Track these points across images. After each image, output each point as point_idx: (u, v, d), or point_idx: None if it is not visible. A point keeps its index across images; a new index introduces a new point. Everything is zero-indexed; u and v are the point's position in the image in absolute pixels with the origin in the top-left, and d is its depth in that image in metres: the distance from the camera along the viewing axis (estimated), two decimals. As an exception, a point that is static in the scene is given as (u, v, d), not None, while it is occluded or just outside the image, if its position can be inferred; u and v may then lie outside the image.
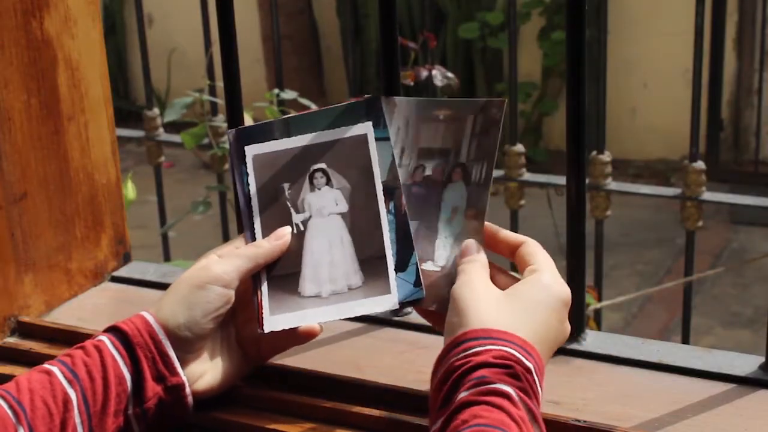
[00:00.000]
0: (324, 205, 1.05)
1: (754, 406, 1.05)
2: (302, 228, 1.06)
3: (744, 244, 4.33)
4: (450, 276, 1.01)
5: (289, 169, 1.06)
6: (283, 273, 1.04)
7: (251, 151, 1.07)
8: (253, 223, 1.07)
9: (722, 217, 4.46)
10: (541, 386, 0.90)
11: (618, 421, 1.01)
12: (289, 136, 1.08)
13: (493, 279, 0.99)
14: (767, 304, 3.72)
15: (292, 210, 1.06)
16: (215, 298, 1.01)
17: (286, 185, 1.06)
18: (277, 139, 1.07)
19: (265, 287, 1.04)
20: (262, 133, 1.08)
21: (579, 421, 1.00)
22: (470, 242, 1.01)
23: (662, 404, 1.05)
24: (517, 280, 0.99)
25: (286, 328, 1.03)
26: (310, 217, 1.06)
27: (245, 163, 1.08)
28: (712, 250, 4.21)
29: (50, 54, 1.27)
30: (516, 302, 0.94)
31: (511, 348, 0.89)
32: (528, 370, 0.88)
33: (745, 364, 1.10)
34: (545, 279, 0.96)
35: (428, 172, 1.05)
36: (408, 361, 1.13)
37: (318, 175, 1.06)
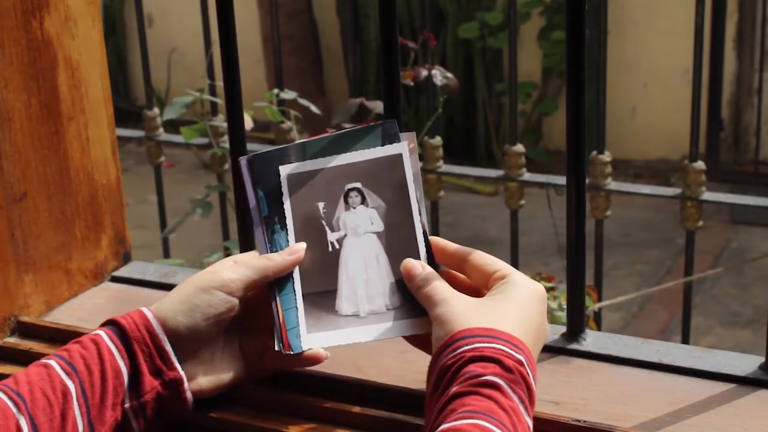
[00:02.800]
0: (359, 224, 1.06)
1: (754, 406, 1.05)
2: (337, 246, 1.06)
3: (744, 244, 4.33)
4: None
5: (324, 189, 1.06)
6: (318, 290, 1.05)
7: (285, 170, 1.07)
8: (265, 239, 1.07)
9: (722, 217, 4.47)
10: (534, 379, 0.91)
11: (618, 421, 1.01)
12: (305, 160, 1.08)
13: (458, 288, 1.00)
14: (767, 304, 3.72)
15: (327, 228, 1.06)
16: (218, 303, 1.01)
17: (320, 204, 1.06)
18: (292, 163, 1.08)
19: (300, 304, 1.04)
20: (277, 157, 1.08)
21: (579, 421, 1.00)
22: (408, 263, 1.02)
23: (662, 404, 1.05)
24: (474, 283, 1.01)
25: (324, 346, 1.04)
26: (345, 235, 1.06)
27: (259, 188, 1.08)
28: (712, 250, 4.21)
29: (50, 54, 1.27)
30: (495, 303, 0.96)
31: (498, 343, 0.90)
32: (519, 362, 0.89)
33: (745, 364, 1.10)
34: (518, 279, 0.98)
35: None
36: (408, 361, 1.13)
37: (353, 194, 1.06)
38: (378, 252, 1.05)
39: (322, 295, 1.05)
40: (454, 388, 0.87)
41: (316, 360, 1.05)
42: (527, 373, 0.89)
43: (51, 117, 1.27)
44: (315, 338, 1.03)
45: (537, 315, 0.97)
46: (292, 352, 1.03)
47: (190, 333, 1.01)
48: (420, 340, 1.04)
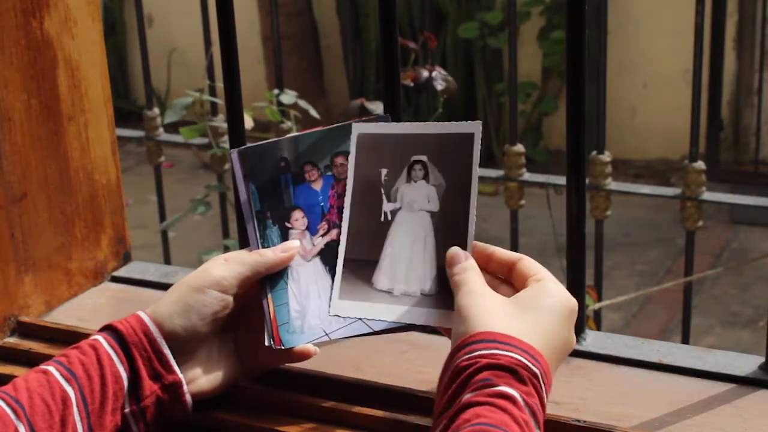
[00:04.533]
0: (416, 200, 1.03)
1: (754, 406, 1.05)
2: (390, 218, 1.03)
3: (744, 244, 4.33)
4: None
5: (391, 156, 1.03)
6: (360, 258, 1.03)
7: (357, 129, 1.05)
8: (257, 234, 1.06)
9: (722, 217, 4.47)
10: (547, 394, 0.89)
11: (618, 421, 1.01)
12: (298, 154, 1.07)
13: (495, 290, 0.97)
14: (767, 304, 3.72)
15: (384, 197, 1.04)
16: (212, 301, 1.01)
17: (384, 171, 1.04)
18: (285, 156, 1.07)
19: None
20: (269, 151, 1.07)
21: (579, 421, 1.00)
22: (455, 250, 0.99)
23: (662, 404, 1.05)
24: (516, 290, 0.97)
25: (351, 317, 1.02)
26: (400, 208, 1.03)
27: (251, 181, 1.07)
28: (712, 250, 4.21)
29: (50, 54, 1.27)
30: (522, 308, 0.93)
31: (517, 353, 0.88)
32: (534, 375, 0.88)
33: (745, 364, 1.10)
34: (551, 287, 0.95)
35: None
36: (408, 361, 1.13)
37: (417, 167, 1.03)
38: (427, 233, 1.02)
39: (363, 264, 1.03)
40: (468, 396, 0.86)
41: (305, 355, 1.05)
42: (540, 386, 0.88)
43: (51, 117, 1.27)
44: (345, 306, 1.02)
45: (563, 328, 0.94)
46: (282, 347, 1.03)
47: (187, 334, 1.01)
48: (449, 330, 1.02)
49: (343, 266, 1.03)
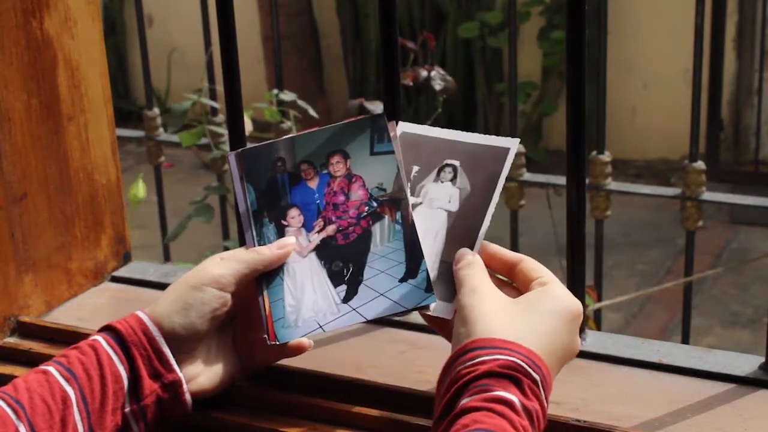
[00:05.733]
0: (437, 198, 1.05)
1: (754, 406, 1.05)
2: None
3: (744, 244, 4.33)
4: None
5: (425, 155, 1.07)
6: None
7: (402, 127, 1.08)
8: (253, 233, 1.07)
9: (722, 217, 4.47)
10: (547, 399, 0.89)
11: (618, 421, 1.01)
12: (295, 155, 1.08)
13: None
14: (767, 304, 3.72)
15: (408, 192, 1.06)
16: (210, 299, 1.01)
17: (415, 168, 1.07)
18: (282, 157, 1.08)
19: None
20: (266, 152, 1.08)
21: (579, 421, 1.00)
22: (464, 250, 1.01)
23: (662, 404, 1.05)
24: (520, 291, 0.98)
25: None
26: (420, 204, 1.05)
27: (248, 182, 1.08)
28: (712, 250, 4.21)
29: (50, 54, 1.27)
30: (525, 312, 0.93)
31: (517, 358, 0.88)
32: (534, 381, 0.88)
33: (745, 364, 1.10)
34: (556, 291, 0.95)
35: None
36: (408, 361, 1.13)
37: (447, 169, 1.05)
38: (440, 230, 1.04)
39: None
40: (465, 401, 0.86)
41: (300, 349, 1.06)
42: (540, 392, 0.88)
43: (51, 117, 1.27)
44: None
45: (566, 333, 0.94)
46: (278, 343, 1.03)
47: (186, 332, 1.01)
48: (440, 325, 1.03)
49: None
